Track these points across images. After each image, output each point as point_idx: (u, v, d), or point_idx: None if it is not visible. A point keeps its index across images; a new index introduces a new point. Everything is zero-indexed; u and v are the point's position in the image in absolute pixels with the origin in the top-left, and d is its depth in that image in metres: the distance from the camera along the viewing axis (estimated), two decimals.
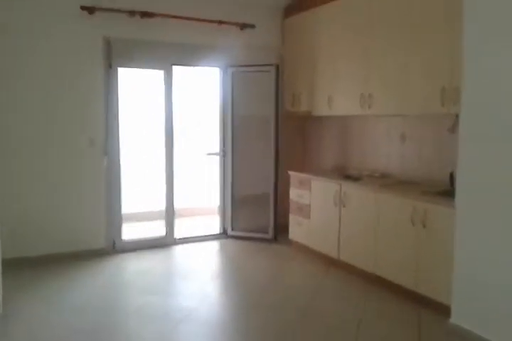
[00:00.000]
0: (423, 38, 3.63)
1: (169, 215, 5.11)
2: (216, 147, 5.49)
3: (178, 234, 5.19)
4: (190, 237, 5.30)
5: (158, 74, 4.94)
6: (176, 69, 5.01)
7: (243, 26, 5.16)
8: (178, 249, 5.01)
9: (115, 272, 4.25)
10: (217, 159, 5.48)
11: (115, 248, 4.81)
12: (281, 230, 5.19)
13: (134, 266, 4.42)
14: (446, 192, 3.51)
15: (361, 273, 4.00)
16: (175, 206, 5.13)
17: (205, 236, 5.39)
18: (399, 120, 4.30)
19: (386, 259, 3.75)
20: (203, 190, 6.88)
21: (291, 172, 4.93)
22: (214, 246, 5.15)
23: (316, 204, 4.55)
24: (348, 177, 4.37)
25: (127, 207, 5.12)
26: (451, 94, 3.40)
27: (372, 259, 3.87)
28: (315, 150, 5.51)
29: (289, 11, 5.34)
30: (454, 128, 3.76)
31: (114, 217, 4.82)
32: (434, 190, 3.58)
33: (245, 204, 5.37)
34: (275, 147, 5.11)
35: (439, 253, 3.29)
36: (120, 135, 4.78)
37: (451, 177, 3.66)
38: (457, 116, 3.66)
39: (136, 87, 5.85)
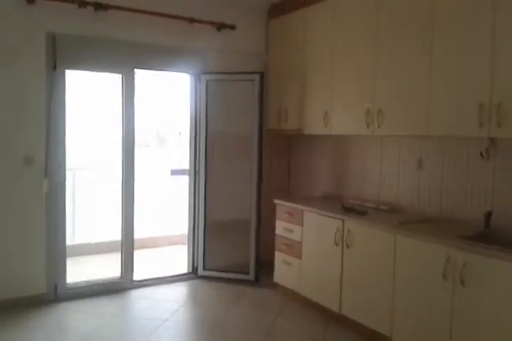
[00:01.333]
0: (449, 38, 2.92)
1: (127, 251, 4.15)
2: (184, 165, 4.62)
3: (136, 274, 4.23)
4: (152, 279, 4.34)
5: (117, 78, 4.04)
6: (139, 74, 4.12)
7: (220, 26, 4.34)
8: (136, 295, 4.04)
9: (49, 337, 3.23)
10: (185, 179, 4.59)
11: (57, 294, 3.81)
12: (264, 268, 4.33)
13: (77, 326, 3.41)
14: (484, 236, 2.78)
15: (371, 334, 3.18)
16: (134, 237, 4.20)
17: (171, 277, 4.44)
18: (414, 141, 3.56)
19: (406, 321, 2.94)
20: (168, 215, 5.94)
21: (277, 201, 4.08)
22: (181, 291, 4.21)
23: (310, 242, 3.72)
24: (349, 209, 3.57)
25: (75, 238, 4.17)
26: (493, 113, 2.68)
27: (387, 318, 3.05)
28: (303, 175, 4.69)
29: (274, 11, 4.56)
30: (488, 153, 3.06)
31: (56, 254, 3.83)
32: (468, 234, 2.82)
33: (221, 234, 4.48)
34: (258, 169, 4.27)
35: (483, 322, 2.52)
36: (66, 151, 3.83)
37: (489, 217, 2.93)
38: (492, 138, 2.99)
39: (91, 93, 4.90)
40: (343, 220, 3.40)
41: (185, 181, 4.61)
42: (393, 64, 3.29)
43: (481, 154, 3.08)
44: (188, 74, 4.44)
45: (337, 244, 3.43)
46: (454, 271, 2.65)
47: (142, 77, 4.69)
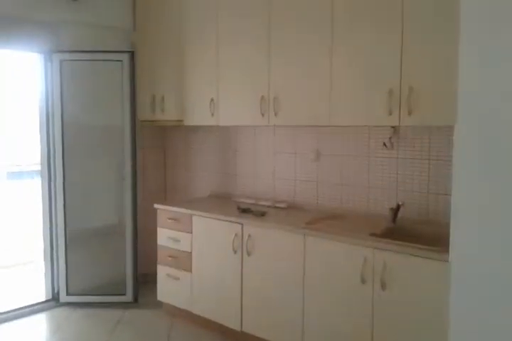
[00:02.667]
0: (351, 20, 2.62)
1: None
2: (31, 165, 3.73)
3: None
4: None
5: None
6: None
7: None
8: None
9: None
10: (35, 181, 3.70)
11: None
12: (144, 285, 3.67)
13: None
14: (394, 231, 2.57)
15: None
16: None
17: (22, 308, 3.50)
18: (310, 131, 3.23)
19: (321, 334, 2.60)
20: (14, 227, 4.86)
21: (158, 206, 3.45)
22: (39, 327, 3.32)
23: (203, 252, 3.18)
24: (246, 211, 3.12)
25: None
26: (403, 100, 2.45)
27: (298, 333, 2.68)
28: (184, 172, 4.11)
29: None
30: (392, 143, 2.87)
31: None
32: (379, 231, 2.57)
33: (87, 248, 3.69)
34: (132, 166, 3.58)
35: (405, 326, 2.27)
36: None
37: (397, 211, 2.72)
38: (394, 127, 2.80)
39: None
40: (241, 224, 2.93)
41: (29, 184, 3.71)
42: (290, 45, 2.90)
43: (385, 144, 2.88)
44: (36, 52, 3.54)
45: (235, 252, 2.96)
46: (373, 273, 2.36)
47: None
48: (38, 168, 3.72)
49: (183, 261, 3.28)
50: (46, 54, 3.54)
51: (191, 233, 3.22)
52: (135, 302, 3.60)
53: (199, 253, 3.19)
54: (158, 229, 3.45)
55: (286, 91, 2.94)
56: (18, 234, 4.80)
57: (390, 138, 2.85)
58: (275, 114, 2.99)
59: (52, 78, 3.54)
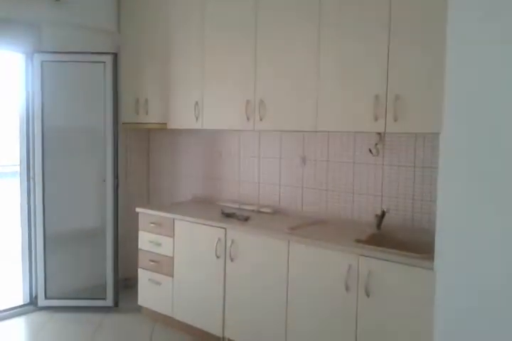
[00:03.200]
0: (339, 25, 2.62)
1: None
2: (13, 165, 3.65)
3: None
4: None
5: None
6: None
7: None
8: None
9: None
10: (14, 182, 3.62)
11: None
12: (125, 289, 3.61)
13: None
14: (379, 238, 2.57)
15: None
16: None
17: (1, 312, 3.42)
18: (296, 136, 3.22)
19: (304, 340, 2.59)
20: None
21: (140, 210, 3.40)
22: (15, 332, 3.25)
23: (184, 257, 3.14)
24: (229, 215, 3.10)
25: None
26: (390, 106, 2.45)
27: (281, 339, 2.66)
28: (167, 176, 4.06)
29: None
30: (377, 149, 2.87)
31: None
32: (363, 237, 2.57)
33: (67, 250, 3.61)
34: (113, 169, 3.52)
35: (389, 334, 2.27)
36: None
37: (382, 217, 2.72)
38: (380, 133, 2.81)
39: None
40: (225, 229, 2.91)
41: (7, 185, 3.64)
42: (277, 50, 2.89)
43: (370, 150, 2.88)
44: (18, 52, 3.47)
45: (218, 257, 2.93)
46: (357, 280, 2.36)
47: None
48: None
49: (164, 265, 3.24)
50: (28, 54, 3.47)
51: (173, 237, 3.18)
52: (115, 306, 3.54)
53: (181, 258, 3.15)
54: (140, 233, 3.40)
55: (272, 96, 2.92)
56: None
57: (375, 144, 2.85)
58: (260, 119, 2.97)
59: (33, 79, 3.47)
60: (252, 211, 3.27)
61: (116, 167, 3.54)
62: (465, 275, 1.90)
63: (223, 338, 2.94)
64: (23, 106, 3.53)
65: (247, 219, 3.01)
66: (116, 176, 3.53)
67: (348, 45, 2.58)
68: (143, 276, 3.39)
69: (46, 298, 3.54)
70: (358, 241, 2.48)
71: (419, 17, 2.33)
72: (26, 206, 3.59)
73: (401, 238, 2.60)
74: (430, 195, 2.64)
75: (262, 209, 3.28)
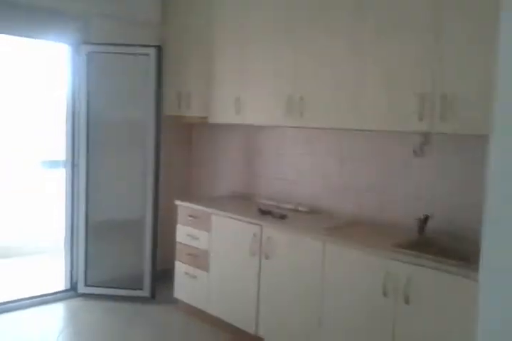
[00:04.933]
0: (385, 19, 2.50)
1: None
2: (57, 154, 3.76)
3: None
4: (14, 301, 3.42)
5: None
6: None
7: None
8: None
9: None
10: (60, 172, 3.73)
11: None
12: (161, 281, 3.66)
13: None
14: (422, 244, 2.46)
15: None
16: None
17: (42, 296, 3.55)
18: (337, 135, 3.13)
19: None
20: (36, 217, 4.92)
21: (179, 203, 3.43)
22: (57, 316, 3.36)
23: (220, 252, 3.14)
24: (266, 212, 3.06)
25: None
26: (437, 106, 2.32)
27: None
28: (207, 170, 4.07)
29: None
30: (422, 150, 2.74)
31: None
32: (404, 242, 2.47)
33: (107, 240, 3.69)
34: (155, 162, 3.56)
35: None
36: None
37: (425, 222, 2.60)
38: (425, 134, 2.67)
39: None
40: (261, 226, 2.87)
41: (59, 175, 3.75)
42: (319, 46, 2.80)
43: (414, 151, 2.76)
44: (65, 43, 3.55)
45: (253, 254, 2.90)
46: (395, 286, 2.27)
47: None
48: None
49: (200, 259, 3.25)
50: (74, 45, 3.54)
51: (210, 231, 3.18)
52: (152, 297, 3.59)
53: (216, 253, 3.15)
54: (178, 226, 3.42)
55: (313, 93, 2.84)
56: (44, 222, 4.86)
57: (420, 145, 2.73)
58: (301, 115, 2.90)
59: (79, 69, 3.53)
60: (289, 209, 3.22)
61: (158, 160, 3.57)
62: None
63: (256, 336, 2.92)
64: (69, 97, 3.60)
65: (283, 217, 2.97)
66: (157, 169, 3.56)
67: (394, 44, 2.46)
68: (179, 269, 3.43)
69: (86, 285, 3.64)
70: (398, 245, 2.39)
71: (471, 18, 2.19)
72: (70, 194, 3.69)
73: (443, 244, 2.48)
74: (477, 200, 2.49)
75: (300, 208, 3.21)
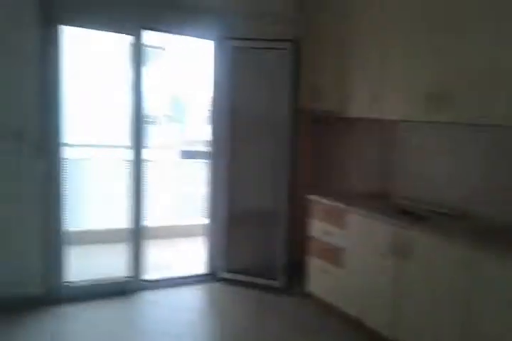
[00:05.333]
0: None
1: (135, 244, 3.56)
2: (197, 146, 3.95)
3: (146, 271, 3.65)
4: (164, 280, 3.75)
5: (124, 39, 3.36)
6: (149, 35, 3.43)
7: None
8: (144, 299, 3.46)
9: None
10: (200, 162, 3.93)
11: (53, 296, 3.27)
12: (296, 273, 3.69)
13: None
14: None
15: None
16: (144, 226, 3.60)
17: (186, 278, 3.84)
18: (488, 132, 2.78)
19: None
20: (184, 201, 5.32)
21: (313, 197, 3.40)
22: (198, 297, 3.61)
23: (356, 249, 3.05)
24: (404, 212, 2.88)
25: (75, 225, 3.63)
26: None
27: None
28: (339, 165, 3.96)
29: None
30: None
31: (53, 248, 3.29)
32: None
33: (245, 229, 3.83)
34: (291, 155, 3.58)
35: None
36: (62, 124, 3.23)
37: None
38: None
39: (94, 55, 4.20)
40: (400, 227, 2.71)
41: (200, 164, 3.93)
42: (473, 32, 2.49)
43: None
44: (209, 39, 3.70)
45: (391, 255, 2.76)
46: None
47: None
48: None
49: (335, 256, 3.20)
50: (218, 41, 3.67)
51: (345, 229, 3.10)
52: (285, 289, 3.65)
53: (352, 251, 3.07)
54: (312, 221, 3.41)
55: (455, 86, 2.57)
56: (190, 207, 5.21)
57: None
58: (442, 111, 2.64)
59: (222, 64, 3.66)
60: (430, 211, 2.97)
61: (295, 154, 3.57)
62: None
63: (389, 339, 2.79)
64: (214, 90, 3.75)
65: (425, 219, 2.76)
66: (294, 163, 3.57)
67: None
68: (313, 264, 3.43)
69: (225, 270, 3.82)
70: None
71: None
72: (213, 185, 3.87)
73: None
74: None
75: (441, 210, 2.95)
